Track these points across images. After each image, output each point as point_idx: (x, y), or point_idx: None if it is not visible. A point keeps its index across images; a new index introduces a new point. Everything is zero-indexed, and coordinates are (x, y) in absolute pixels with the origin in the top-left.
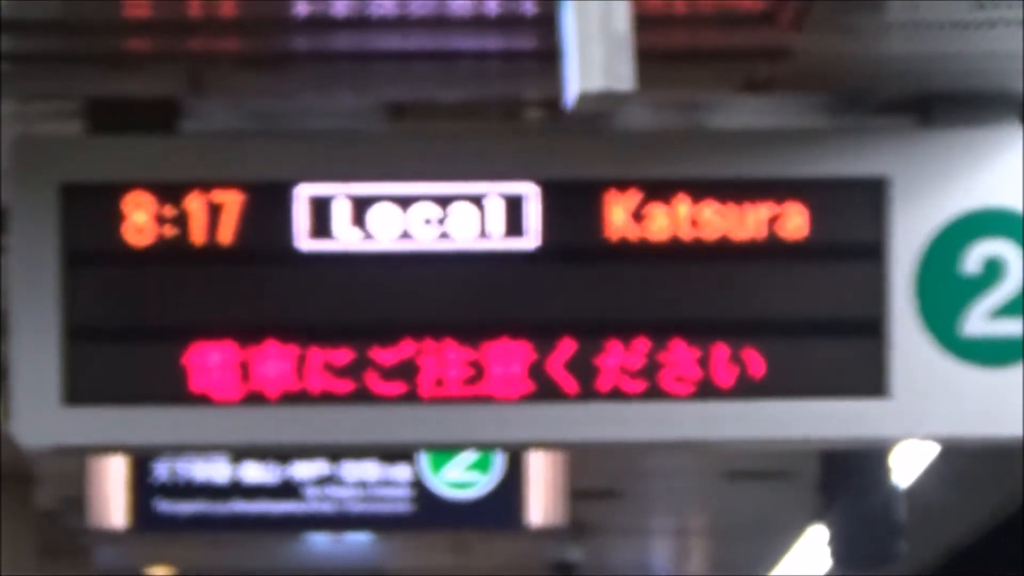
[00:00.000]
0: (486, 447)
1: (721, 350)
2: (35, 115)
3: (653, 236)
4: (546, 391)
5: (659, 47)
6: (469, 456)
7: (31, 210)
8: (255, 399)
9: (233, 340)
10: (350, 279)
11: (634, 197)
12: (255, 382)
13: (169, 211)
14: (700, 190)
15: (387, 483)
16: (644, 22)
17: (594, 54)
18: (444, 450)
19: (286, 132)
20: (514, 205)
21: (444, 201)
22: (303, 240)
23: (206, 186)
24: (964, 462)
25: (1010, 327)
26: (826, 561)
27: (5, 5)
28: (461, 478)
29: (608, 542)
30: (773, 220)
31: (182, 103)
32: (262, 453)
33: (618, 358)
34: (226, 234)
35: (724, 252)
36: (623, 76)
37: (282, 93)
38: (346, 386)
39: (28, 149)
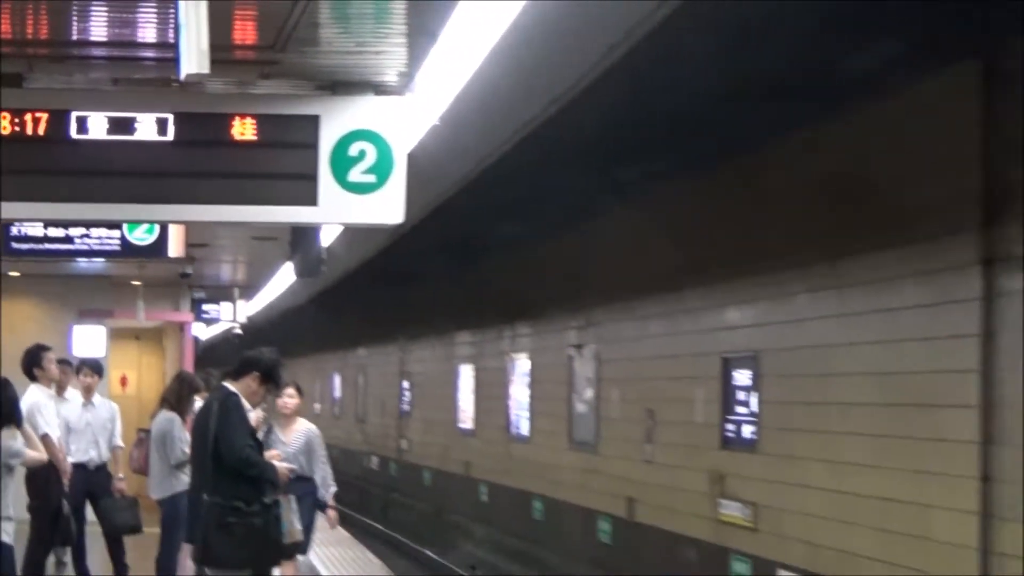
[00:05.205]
0: (151, 223)
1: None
2: None
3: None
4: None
5: (230, 56)
6: (145, 226)
7: None
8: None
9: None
10: (97, 153)
11: (212, 122)
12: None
13: (12, 120)
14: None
15: (108, 238)
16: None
17: (193, 55)
18: (132, 223)
19: (67, 89)
20: (163, 122)
21: (133, 120)
22: (72, 134)
23: (28, 111)
24: (356, 232)
25: (367, 178)
26: (292, 276)
27: None
28: (142, 237)
29: (204, 265)
30: (260, 129)
31: (24, 76)
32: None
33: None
34: (34, 131)
35: (238, 145)
36: (203, 66)
37: (70, 72)
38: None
39: None
